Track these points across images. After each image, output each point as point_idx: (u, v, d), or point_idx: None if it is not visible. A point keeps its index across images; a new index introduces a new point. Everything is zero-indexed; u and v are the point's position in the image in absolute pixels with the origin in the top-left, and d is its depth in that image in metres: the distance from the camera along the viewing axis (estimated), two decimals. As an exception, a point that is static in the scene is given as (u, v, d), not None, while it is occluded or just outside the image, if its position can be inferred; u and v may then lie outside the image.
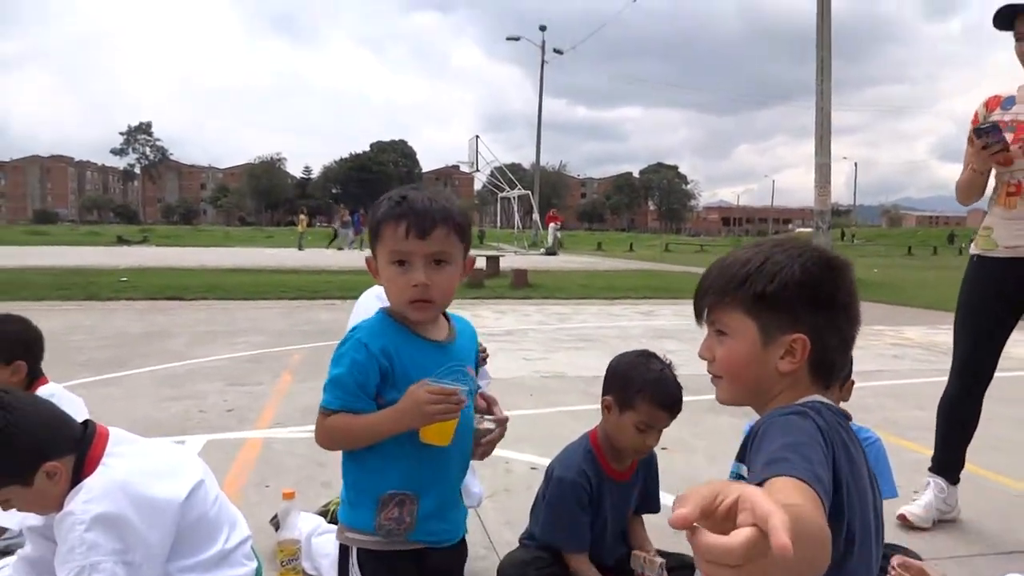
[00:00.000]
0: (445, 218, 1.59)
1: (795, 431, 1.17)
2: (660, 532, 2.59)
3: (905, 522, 3.17)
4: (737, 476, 1.28)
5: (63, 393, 2.72)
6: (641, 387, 2.21)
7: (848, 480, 1.20)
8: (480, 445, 1.78)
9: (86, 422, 1.94)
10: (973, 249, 3.27)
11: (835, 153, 15.79)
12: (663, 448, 4.11)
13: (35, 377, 2.69)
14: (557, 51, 42.42)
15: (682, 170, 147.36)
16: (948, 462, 3.31)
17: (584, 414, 4.89)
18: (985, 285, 3.19)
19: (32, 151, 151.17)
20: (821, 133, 15.36)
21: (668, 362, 2.33)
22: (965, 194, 3.21)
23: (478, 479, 2.93)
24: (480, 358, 2.90)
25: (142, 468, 1.89)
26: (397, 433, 1.59)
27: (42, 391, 2.63)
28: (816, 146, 15.38)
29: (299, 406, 4.97)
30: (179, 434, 4.34)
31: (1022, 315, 3.20)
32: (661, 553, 2.39)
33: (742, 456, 1.29)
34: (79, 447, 1.85)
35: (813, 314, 1.29)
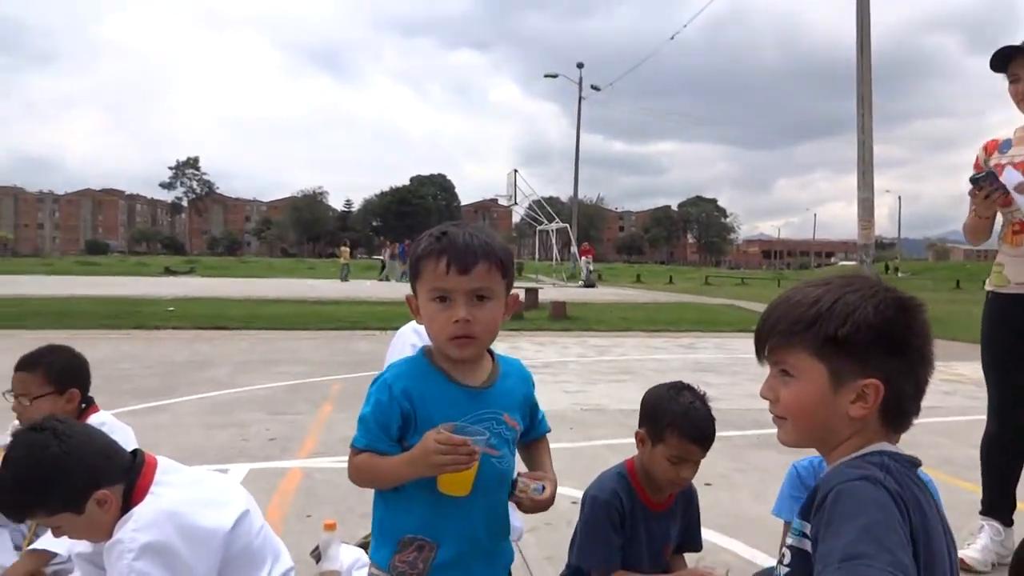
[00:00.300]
0: (487, 253, 1.56)
1: (868, 508, 1.12)
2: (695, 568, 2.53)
3: (963, 566, 3.06)
4: (800, 534, 1.23)
5: (113, 422, 2.77)
6: (671, 421, 2.19)
7: (923, 541, 1.15)
8: (520, 503, 1.71)
9: (135, 451, 1.98)
10: (987, 285, 3.27)
11: (878, 186, 15.59)
12: (706, 484, 4.05)
13: (87, 405, 2.75)
14: (594, 87, 42.67)
15: (721, 203, 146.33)
16: (998, 503, 3.22)
17: (624, 447, 4.82)
18: (999, 321, 3.20)
19: (85, 185, 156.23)
20: (863, 167, 15.15)
21: (702, 394, 2.30)
22: (973, 236, 3.26)
23: (519, 513, 2.91)
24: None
25: (189, 497, 1.91)
26: (413, 479, 1.57)
27: (93, 420, 2.68)
28: (859, 180, 15.17)
29: (339, 436, 5.00)
30: (223, 462, 4.39)
31: None
32: None
33: (805, 513, 1.22)
34: (129, 476, 1.88)
35: (887, 358, 1.23)
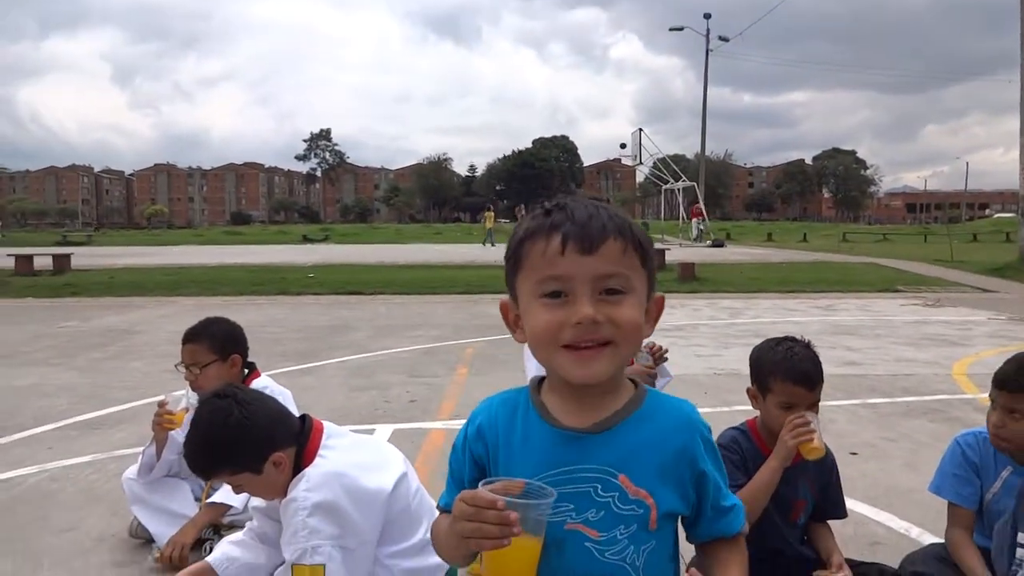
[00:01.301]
0: (620, 229, 1.10)
1: None
2: (845, 541, 2.45)
3: None
4: None
5: (275, 386, 2.97)
6: (771, 368, 2.23)
7: None
8: None
9: (303, 416, 2.12)
10: None
11: (1044, 130, 14.21)
12: (852, 453, 3.91)
13: (249, 371, 2.96)
14: (722, 39, 41.06)
15: (860, 155, 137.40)
16: None
17: (763, 414, 4.73)
18: None
19: (228, 160, 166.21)
20: (1027, 109, 13.88)
21: (806, 341, 2.29)
22: None
23: None
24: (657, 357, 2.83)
25: (354, 461, 2.04)
26: (462, 554, 1.13)
27: (256, 384, 2.90)
28: (1022, 123, 13.92)
29: (477, 398, 5.07)
30: (369, 423, 4.63)
31: None
32: (851, 564, 2.29)
33: None
34: (299, 440, 2.03)
35: None
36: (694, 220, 35.57)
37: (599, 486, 1.13)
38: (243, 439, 1.93)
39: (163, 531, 2.76)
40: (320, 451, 2.01)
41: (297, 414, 2.90)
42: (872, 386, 5.51)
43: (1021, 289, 13.41)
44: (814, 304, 11.46)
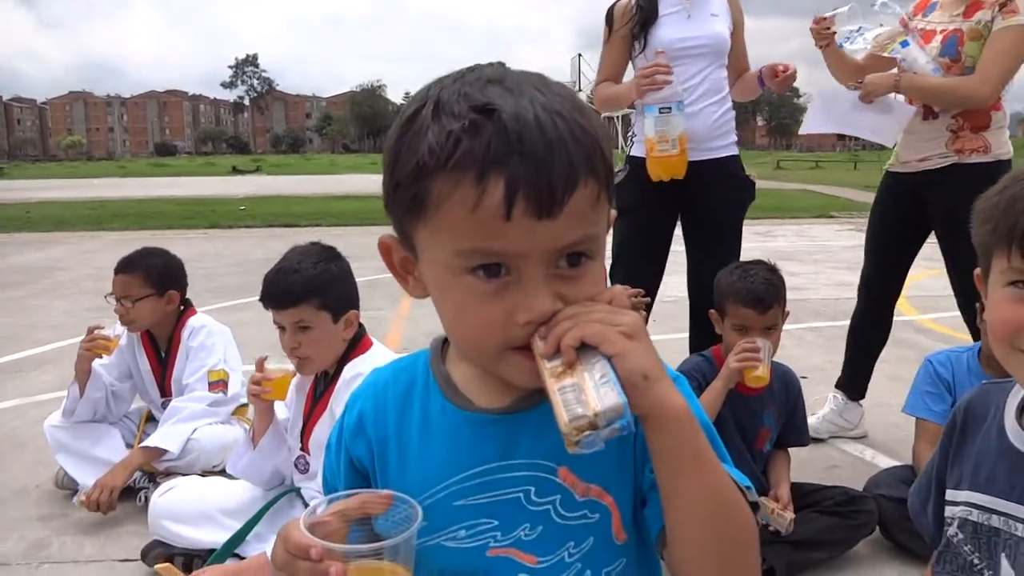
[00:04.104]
0: (590, 156, 0.68)
1: None
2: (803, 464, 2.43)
3: None
4: None
5: (213, 324, 2.78)
6: (726, 290, 2.24)
7: None
8: None
9: None
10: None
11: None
12: (803, 377, 3.90)
13: (185, 308, 2.75)
14: (662, -41, 40.39)
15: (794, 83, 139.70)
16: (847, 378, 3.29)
17: (711, 340, 4.72)
18: (880, 198, 3.14)
19: (149, 87, 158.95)
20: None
21: (771, 265, 2.27)
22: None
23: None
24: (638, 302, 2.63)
25: None
26: None
27: (192, 322, 2.70)
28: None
29: (422, 331, 5.01)
30: (310, 359, 4.45)
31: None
32: (800, 488, 2.29)
33: None
34: (360, 328, 2.08)
35: None
36: None
37: (532, 489, 0.77)
38: (343, 281, 2.02)
39: (90, 480, 2.52)
40: (371, 348, 2.06)
41: (236, 354, 2.74)
42: (816, 310, 5.58)
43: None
44: (751, 230, 11.50)
